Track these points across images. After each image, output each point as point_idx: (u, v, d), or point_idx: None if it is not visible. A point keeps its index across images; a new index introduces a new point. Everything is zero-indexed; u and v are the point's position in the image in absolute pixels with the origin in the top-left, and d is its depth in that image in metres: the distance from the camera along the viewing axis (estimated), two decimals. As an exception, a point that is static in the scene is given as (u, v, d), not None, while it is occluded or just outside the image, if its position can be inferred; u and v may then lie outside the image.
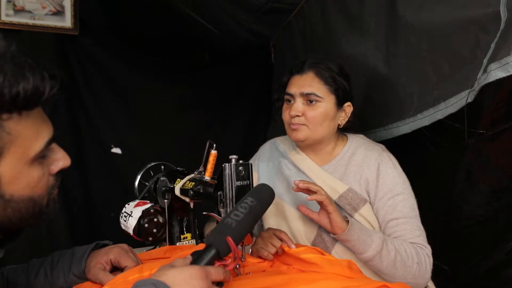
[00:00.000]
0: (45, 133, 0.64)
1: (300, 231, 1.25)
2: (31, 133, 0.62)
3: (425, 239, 1.16)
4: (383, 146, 1.30)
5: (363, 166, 1.24)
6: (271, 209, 1.28)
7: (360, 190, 1.22)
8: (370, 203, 1.21)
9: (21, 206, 0.63)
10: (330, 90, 1.23)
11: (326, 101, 1.23)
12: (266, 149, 1.47)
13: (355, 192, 1.21)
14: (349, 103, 1.28)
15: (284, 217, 1.29)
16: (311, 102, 1.22)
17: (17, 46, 0.59)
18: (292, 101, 1.26)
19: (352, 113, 1.30)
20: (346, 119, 1.29)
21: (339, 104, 1.26)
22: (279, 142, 1.44)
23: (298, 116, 1.23)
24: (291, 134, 1.28)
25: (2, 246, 0.70)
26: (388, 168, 1.21)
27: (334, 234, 1.09)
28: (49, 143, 0.65)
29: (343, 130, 1.33)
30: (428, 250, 1.14)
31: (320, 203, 1.06)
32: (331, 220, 1.06)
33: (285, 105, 1.30)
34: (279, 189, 1.33)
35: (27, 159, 0.62)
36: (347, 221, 1.07)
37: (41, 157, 0.65)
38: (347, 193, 1.21)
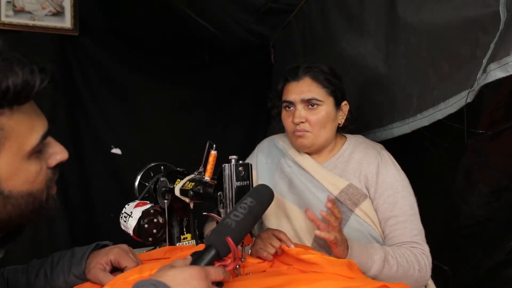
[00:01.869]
0: (39, 127, 0.64)
1: (303, 228, 1.26)
2: (25, 127, 0.61)
3: (424, 238, 1.17)
4: (381, 145, 1.32)
5: (363, 163, 1.25)
6: (272, 208, 1.29)
7: (360, 186, 1.24)
8: (370, 198, 1.23)
9: (20, 202, 0.63)
10: (328, 93, 1.26)
11: (326, 104, 1.25)
12: (264, 146, 1.47)
13: (356, 187, 1.23)
14: (345, 101, 1.31)
15: (286, 216, 1.30)
16: (312, 106, 1.24)
17: (5, 42, 0.59)
18: (292, 108, 1.27)
19: (348, 110, 1.33)
20: (345, 118, 1.32)
21: (337, 104, 1.29)
22: (278, 139, 1.44)
23: (302, 122, 1.24)
24: (296, 141, 1.29)
25: (2, 246, 0.70)
26: (388, 166, 1.23)
27: None
28: (44, 137, 0.64)
29: (342, 130, 1.35)
30: (426, 249, 1.15)
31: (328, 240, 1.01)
32: (332, 249, 1.04)
33: (285, 113, 1.31)
34: (281, 187, 1.33)
35: (23, 154, 0.62)
36: (347, 246, 1.04)
37: (38, 152, 0.65)
38: (347, 189, 1.23)
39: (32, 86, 0.59)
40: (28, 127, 0.62)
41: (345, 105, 1.31)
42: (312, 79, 1.26)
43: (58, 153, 0.69)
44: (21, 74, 0.57)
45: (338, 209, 1.04)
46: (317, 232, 0.99)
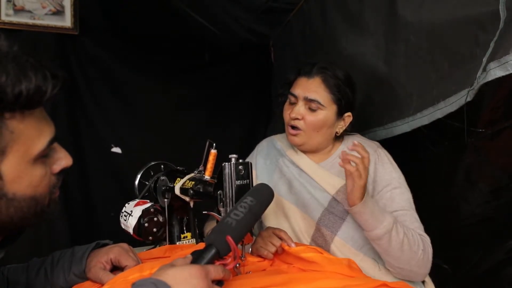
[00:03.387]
0: (47, 132, 0.64)
1: (301, 227, 1.26)
2: (34, 132, 0.62)
3: (423, 230, 1.17)
4: (378, 143, 1.33)
5: None
6: (271, 208, 1.29)
7: None
8: None
9: (23, 205, 0.63)
10: (333, 99, 1.24)
11: (327, 110, 1.24)
12: (263, 146, 1.48)
13: None
14: (349, 113, 1.29)
15: (285, 216, 1.30)
16: (312, 108, 1.24)
17: (20, 46, 0.59)
18: (294, 102, 1.27)
19: (350, 123, 1.30)
20: (344, 128, 1.30)
21: (340, 113, 1.27)
22: (276, 140, 1.45)
23: (297, 119, 1.24)
24: (289, 137, 1.30)
25: (2, 246, 0.70)
26: (385, 163, 1.24)
27: (350, 207, 1.09)
28: (51, 142, 0.65)
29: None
30: (428, 239, 1.15)
31: (349, 172, 1.04)
32: (348, 189, 1.06)
33: (287, 104, 1.31)
34: (280, 188, 1.33)
35: (29, 158, 0.62)
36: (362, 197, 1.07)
37: (44, 156, 0.65)
38: (344, 188, 1.21)
39: (44, 92, 0.59)
40: (36, 131, 0.63)
41: (348, 116, 1.29)
42: (322, 81, 1.24)
43: (62, 159, 0.70)
44: (34, 79, 0.57)
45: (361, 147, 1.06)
46: (340, 162, 1.04)
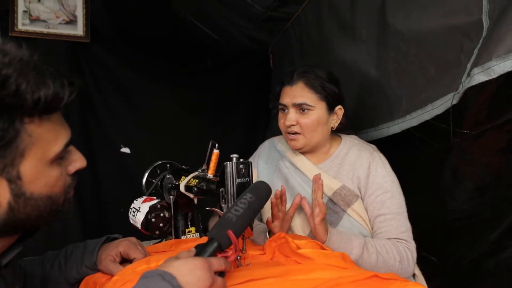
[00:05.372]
0: (63, 136, 0.65)
1: (297, 225, 1.25)
2: (51, 135, 0.63)
3: (410, 235, 1.16)
4: (374, 147, 1.32)
5: (356, 164, 1.25)
6: (269, 204, 1.29)
7: (353, 187, 1.23)
8: (361, 199, 1.23)
9: (40, 204, 0.64)
10: (320, 98, 1.24)
11: (318, 108, 1.24)
12: (265, 147, 1.47)
13: (348, 188, 1.22)
14: (340, 106, 1.29)
15: (281, 212, 1.30)
16: (303, 110, 1.23)
17: (39, 55, 0.60)
18: (286, 110, 1.27)
19: (343, 115, 1.30)
20: (338, 121, 1.30)
21: (330, 108, 1.27)
22: (277, 141, 1.45)
23: (293, 125, 1.24)
24: (289, 143, 1.30)
25: (20, 242, 0.71)
26: (378, 167, 1.23)
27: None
28: (67, 145, 0.66)
29: (337, 131, 1.34)
30: (411, 245, 1.14)
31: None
32: (315, 231, 1.07)
33: (280, 114, 1.31)
34: (278, 187, 1.33)
35: (46, 159, 0.63)
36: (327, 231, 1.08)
37: (60, 158, 0.66)
38: (341, 190, 1.22)
39: (61, 98, 0.60)
40: (53, 135, 0.63)
41: (339, 110, 1.29)
42: (305, 84, 1.24)
43: (77, 161, 0.70)
44: (52, 86, 0.58)
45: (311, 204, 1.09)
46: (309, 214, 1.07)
